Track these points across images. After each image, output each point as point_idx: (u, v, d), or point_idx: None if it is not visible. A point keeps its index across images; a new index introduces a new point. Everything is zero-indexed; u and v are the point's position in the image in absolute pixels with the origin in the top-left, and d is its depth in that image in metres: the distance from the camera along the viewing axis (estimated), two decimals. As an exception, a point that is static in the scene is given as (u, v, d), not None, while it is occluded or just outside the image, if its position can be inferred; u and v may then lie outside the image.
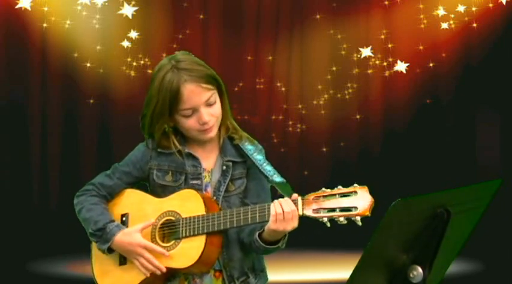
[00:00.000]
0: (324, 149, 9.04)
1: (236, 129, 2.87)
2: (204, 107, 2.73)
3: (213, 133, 2.79)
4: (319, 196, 2.56)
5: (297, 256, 7.23)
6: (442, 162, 8.62)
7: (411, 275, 2.24)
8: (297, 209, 2.58)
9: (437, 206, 2.22)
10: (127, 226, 2.81)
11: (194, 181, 2.80)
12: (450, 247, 2.34)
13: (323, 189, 2.58)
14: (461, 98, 8.69)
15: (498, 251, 7.66)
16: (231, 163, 2.82)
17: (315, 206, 2.56)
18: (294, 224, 2.58)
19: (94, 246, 2.87)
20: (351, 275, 2.16)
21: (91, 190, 2.87)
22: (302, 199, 2.59)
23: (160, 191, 2.82)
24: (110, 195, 2.88)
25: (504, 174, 8.06)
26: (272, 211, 2.59)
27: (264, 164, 2.77)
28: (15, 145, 8.31)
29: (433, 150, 8.70)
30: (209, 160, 2.84)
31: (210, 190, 2.81)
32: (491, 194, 2.40)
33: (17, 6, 8.10)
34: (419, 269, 2.24)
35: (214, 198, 2.79)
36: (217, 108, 2.77)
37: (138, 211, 2.83)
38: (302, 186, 9.10)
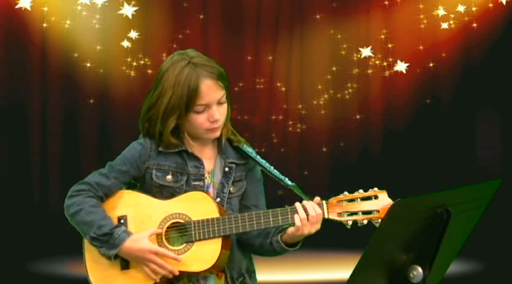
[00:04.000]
0: (324, 149, 9.03)
1: (234, 131, 2.87)
2: (216, 105, 2.74)
3: (219, 133, 2.79)
4: (342, 200, 2.67)
5: (297, 256, 7.22)
6: (442, 162, 8.61)
7: (411, 275, 2.24)
8: (323, 213, 2.66)
9: (437, 206, 2.21)
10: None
11: (196, 183, 2.78)
12: (450, 247, 2.33)
13: (345, 192, 2.69)
14: (461, 98, 8.68)
15: (498, 251, 7.66)
16: (234, 165, 2.82)
17: (338, 209, 2.67)
18: (318, 227, 2.68)
19: (88, 250, 2.78)
20: (351, 275, 2.16)
21: (87, 190, 2.77)
22: (326, 203, 2.68)
23: (156, 191, 2.78)
24: (106, 196, 2.79)
25: (504, 174, 8.06)
26: (302, 215, 2.65)
27: (272, 167, 2.80)
28: (15, 145, 8.31)
29: (433, 150, 8.69)
30: (209, 161, 2.83)
31: (211, 191, 2.80)
32: (491, 194, 2.40)
33: (17, 6, 8.10)
34: (419, 269, 2.23)
35: (218, 199, 2.78)
36: (225, 108, 2.78)
37: (137, 213, 2.76)
38: (302, 186, 9.12)
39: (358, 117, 8.99)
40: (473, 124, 8.76)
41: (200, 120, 2.73)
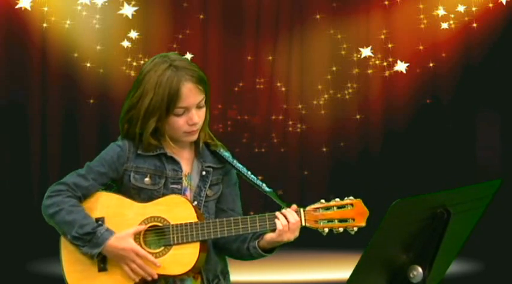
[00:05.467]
0: (324, 149, 9.03)
1: (211, 136, 2.90)
2: (195, 109, 2.77)
3: (196, 136, 2.82)
4: (318, 208, 2.72)
5: (297, 256, 7.23)
6: (442, 162, 8.61)
7: (411, 275, 2.25)
8: (300, 220, 2.70)
9: (437, 206, 2.22)
10: None
11: (174, 186, 2.80)
12: (450, 247, 2.34)
13: (321, 200, 2.73)
14: (461, 98, 8.68)
15: (498, 251, 7.66)
16: (211, 169, 2.85)
17: (315, 217, 2.71)
18: (297, 234, 2.72)
19: (65, 252, 2.80)
20: (351, 275, 2.17)
21: (65, 190, 2.79)
22: (303, 211, 2.71)
23: (134, 193, 2.79)
24: (84, 197, 2.80)
25: (504, 174, 8.06)
26: (283, 222, 2.69)
27: (249, 173, 2.83)
28: (15, 145, 8.31)
29: (433, 150, 8.69)
30: (187, 165, 2.85)
31: (188, 194, 2.83)
32: (491, 194, 2.40)
33: (17, 6, 8.10)
34: (419, 269, 2.24)
35: (195, 202, 2.80)
36: (204, 112, 2.81)
37: (115, 216, 2.77)
38: (302, 186, 9.15)
39: (358, 117, 8.99)
40: (473, 124, 8.76)
41: (179, 122, 2.76)
